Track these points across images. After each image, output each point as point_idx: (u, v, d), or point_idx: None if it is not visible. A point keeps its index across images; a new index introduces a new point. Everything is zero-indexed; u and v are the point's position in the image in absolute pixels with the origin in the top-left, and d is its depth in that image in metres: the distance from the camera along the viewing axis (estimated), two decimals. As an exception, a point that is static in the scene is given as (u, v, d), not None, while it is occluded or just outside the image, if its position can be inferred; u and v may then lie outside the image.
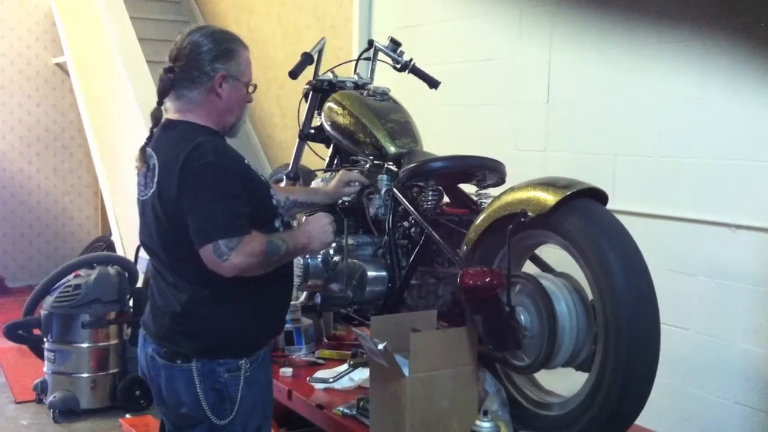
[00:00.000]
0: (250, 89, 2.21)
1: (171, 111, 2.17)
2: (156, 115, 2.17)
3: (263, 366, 2.18)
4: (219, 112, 2.15)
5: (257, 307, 2.13)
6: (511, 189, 2.09)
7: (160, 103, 2.16)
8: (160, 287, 2.16)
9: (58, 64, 7.46)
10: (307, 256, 2.79)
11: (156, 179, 2.06)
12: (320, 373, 2.64)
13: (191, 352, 2.08)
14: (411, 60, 3.09)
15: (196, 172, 2.00)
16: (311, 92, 3.15)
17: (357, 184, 2.67)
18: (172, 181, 2.02)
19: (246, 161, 2.16)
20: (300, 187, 2.92)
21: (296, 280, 2.82)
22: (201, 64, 2.11)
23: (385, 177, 2.69)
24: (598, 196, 1.99)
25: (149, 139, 2.16)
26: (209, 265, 1.98)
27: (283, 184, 3.33)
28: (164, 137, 2.13)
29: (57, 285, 4.54)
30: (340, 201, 2.78)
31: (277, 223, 2.21)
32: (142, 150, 2.13)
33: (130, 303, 4.61)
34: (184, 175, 2.00)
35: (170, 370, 2.10)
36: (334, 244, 2.56)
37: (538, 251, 2.29)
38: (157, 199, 2.06)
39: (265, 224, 2.13)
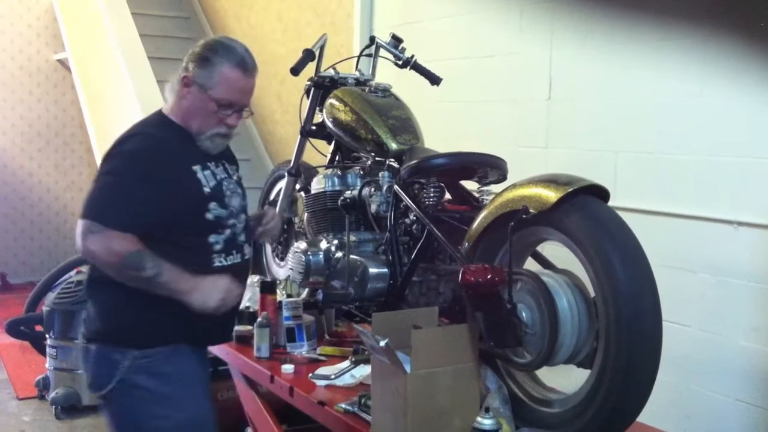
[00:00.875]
0: (230, 111, 2.16)
1: None
2: None
3: (174, 361, 2.15)
4: (182, 112, 2.18)
5: (161, 306, 2.08)
6: (513, 186, 2.09)
7: None
8: None
9: (59, 61, 7.46)
10: (309, 252, 2.79)
11: None
12: (322, 370, 2.64)
13: (90, 334, 2.17)
14: (412, 56, 3.09)
15: (114, 154, 2.10)
16: (313, 89, 3.15)
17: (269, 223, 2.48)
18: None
19: (194, 167, 2.14)
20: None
21: (298, 277, 2.83)
22: (184, 60, 2.18)
23: (386, 174, 2.70)
24: (599, 193, 1.99)
25: None
26: (77, 237, 2.03)
27: (284, 181, 3.34)
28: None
29: (59, 281, 4.54)
30: (342, 198, 2.78)
31: (212, 238, 2.16)
32: None
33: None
34: (105, 155, 2.12)
35: (83, 348, 2.22)
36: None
37: (539, 248, 2.29)
38: None
39: (194, 236, 2.14)
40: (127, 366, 2.10)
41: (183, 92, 2.16)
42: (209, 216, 2.15)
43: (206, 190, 2.15)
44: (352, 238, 2.72)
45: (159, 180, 2.07)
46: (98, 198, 2.05)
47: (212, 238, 2.16)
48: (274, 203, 3.45)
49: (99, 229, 1.99)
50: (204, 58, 2.14)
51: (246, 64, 2.16)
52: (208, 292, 2.07)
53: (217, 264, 2.17)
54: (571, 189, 1.93)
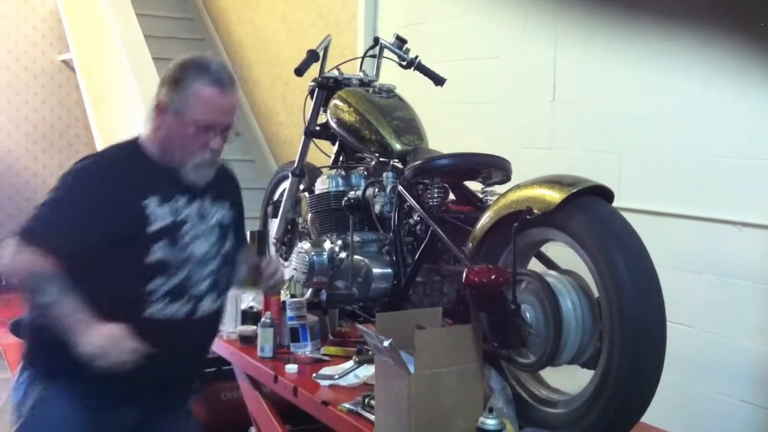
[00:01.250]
0: (212, 134, 1.96)
1: None
2: None
3: (61, 403, 1.95)
4: (159, 143, 2.00)
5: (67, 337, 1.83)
6: (517, 186, 2.09)
7: None
8: None
9: (63, 61, 7.47)
10: (313, 253, 2.79)
11: None
12: (325, 370, 2.64)
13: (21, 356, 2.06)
14: (416, 57, 3.09)
15: (66, 172, 2.01)
16: (317, 89, 3.16)
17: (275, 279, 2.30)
18: None
19: (146, 201, 1.93)
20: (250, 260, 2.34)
21: (301, 277, 2.83)
22: (157, 86, 2.01)
23: (390, 174, 2.70)
24: (603, 194, 1.99)
25: None
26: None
27: (288, 182, 3.34)
28: None
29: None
30: (346, 198, 2.79)
31: (153, 284, 1.92)
32: None
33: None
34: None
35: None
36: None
37: (543, 249, 2.29)
38: None
39: (130, 276, 1.92)
40: (36, 394, 1.96)
41: (158, 121, 1.98)
42: (151, 258, 1.92)
43: (151, 228, 1.93)
44: (356, 238, 2.72)
45: (99, 206, 1.90)
46: (34, 215, 1.93)
47: (153, 284, 1.93)
48: (278, 204, 3.46)
49: (21, 245, 1.86)
50: (176, 80, 1.96)
51: (222, 81, 1.97)
52: (93, 336, 1.79)
53: (149, 313, 1.92)
54: (575, 190, 1.93)
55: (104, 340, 1.79)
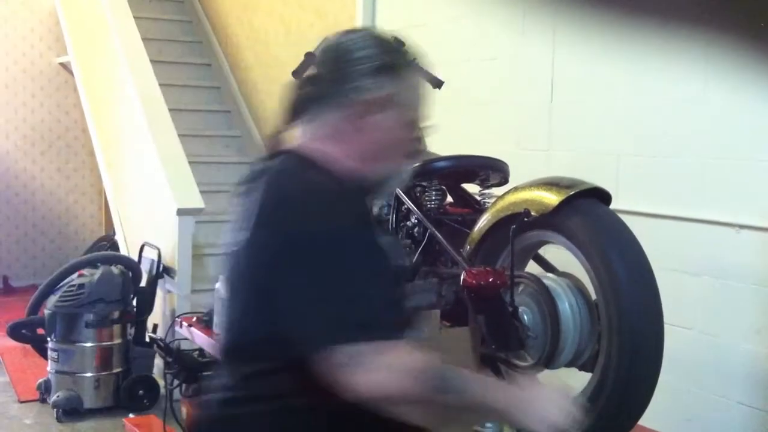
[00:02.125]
0: (417, 132, 1.56)
1: (298, 137, 1.51)
2: (272, 143, 1.53)
3: None
4: (362, 151, 1.47)
5: None
6: (515, 189, 2.09)
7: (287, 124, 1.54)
8: None
9: (61, 64, 7.47)
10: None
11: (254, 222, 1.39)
12: (323, 373, 2.63)
13: None
14: (414, 59, 3.08)
15: (274, 227, 1.38)
16: (314, 92, 3.15)
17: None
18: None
19: (376, 234, 1.47)
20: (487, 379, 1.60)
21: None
22: (349, 76, 1.46)
23: (388, 176, 2.69)
24: (601, 196, 1.99)
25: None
26: (328, 380, 1.28)
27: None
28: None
29: (61, 284, 4.54)
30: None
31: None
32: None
33: (134, 302, 4.62)
34: (290, 240, 1.35)
35: None
36: None
37: (541, 251, 2.29)
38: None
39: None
40: None
41: (369, 122, 1.45)
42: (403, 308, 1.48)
43: (393, 265, 1.48)
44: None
45: (368, 246, 1.39)
46: (336, 304, 1.30)
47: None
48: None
49: (372, 350, 1.27)
50: (392, 66, 1.48)
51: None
52: (547, 400, 1.35)
53: None
54: (572, 192, 1.93)
55: (562, 401, 1.37)
